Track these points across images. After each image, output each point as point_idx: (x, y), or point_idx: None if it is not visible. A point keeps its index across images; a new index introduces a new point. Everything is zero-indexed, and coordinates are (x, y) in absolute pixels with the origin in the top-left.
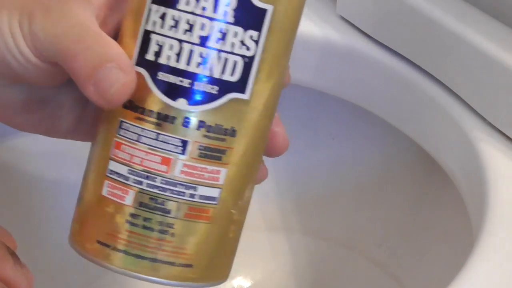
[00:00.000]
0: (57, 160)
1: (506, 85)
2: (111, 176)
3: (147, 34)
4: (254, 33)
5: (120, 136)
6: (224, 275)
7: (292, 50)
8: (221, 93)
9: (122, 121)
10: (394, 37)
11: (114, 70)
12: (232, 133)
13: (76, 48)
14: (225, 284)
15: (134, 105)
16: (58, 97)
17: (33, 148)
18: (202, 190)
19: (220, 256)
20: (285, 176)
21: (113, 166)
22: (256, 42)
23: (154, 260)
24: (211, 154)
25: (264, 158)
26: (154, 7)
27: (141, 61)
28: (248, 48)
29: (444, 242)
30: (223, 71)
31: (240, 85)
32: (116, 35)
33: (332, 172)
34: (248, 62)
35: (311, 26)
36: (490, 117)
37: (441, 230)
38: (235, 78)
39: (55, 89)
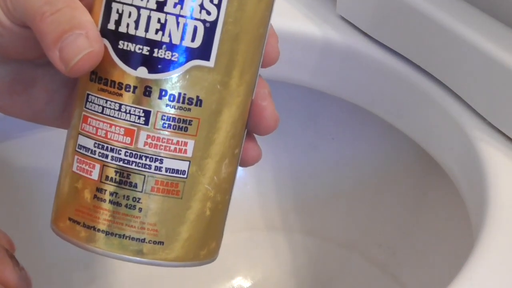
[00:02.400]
0: (58, 159)
1: (506, 85)
2: (79, 151)
3: (108, 3)
4: None
5: (87, 109)
6: (205, 256)
7: (292, 50)
8: (182, 61)
9: (88, 94)
10: (394, 37)
11: (81, 37)
12: (198, 102)
13: (46, 9)
14: (225, 284)
15: (98, 77)
16: (45, 80)
17: (33, 148)
18: (169, 163)
19: (195, 235)
20: (285, 176)
21: (81, 140)
22: (218, 6)
23: (122, 236)
24: (176, 125)
25: (263, 154)
26: None
27: (104, 31)
28: (208, 13)
29: (444, 242)
30: (182, 37)
31: (202, 52)
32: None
33: (332, 172)
34: (210, 28)
35: (311, 26)
36: (490, 117)
37: (441, 230)
38: (196, 44)
39: (41, 71)
